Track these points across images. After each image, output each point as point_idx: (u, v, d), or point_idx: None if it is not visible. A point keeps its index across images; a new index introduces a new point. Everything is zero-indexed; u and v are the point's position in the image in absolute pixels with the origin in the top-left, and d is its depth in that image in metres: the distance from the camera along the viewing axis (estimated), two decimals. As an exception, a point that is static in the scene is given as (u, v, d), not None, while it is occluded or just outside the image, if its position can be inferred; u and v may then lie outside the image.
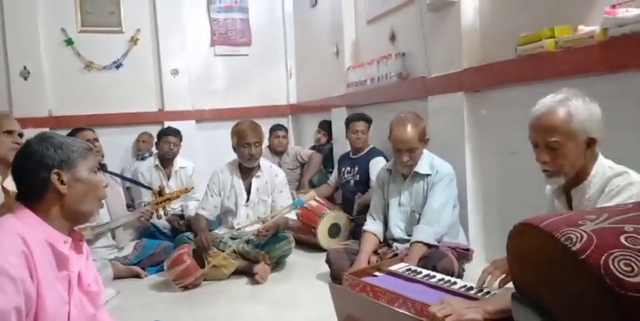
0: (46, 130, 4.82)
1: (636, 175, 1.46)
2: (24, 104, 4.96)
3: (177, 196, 3.30)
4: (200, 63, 5.92)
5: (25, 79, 5.05)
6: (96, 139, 3.15)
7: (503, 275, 1.75)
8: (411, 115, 2.65)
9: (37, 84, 5.11)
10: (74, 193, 1.32)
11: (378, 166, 3.50)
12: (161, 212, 3.18)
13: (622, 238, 0.89)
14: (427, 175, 2.63)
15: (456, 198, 2.70)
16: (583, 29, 2.12)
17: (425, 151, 2.69)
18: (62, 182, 1.31)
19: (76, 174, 1.33)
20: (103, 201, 3.04)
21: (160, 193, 3.19)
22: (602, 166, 1.53)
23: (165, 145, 3.96)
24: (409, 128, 2.55)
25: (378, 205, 2.81)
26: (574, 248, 0.90)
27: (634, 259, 0.85)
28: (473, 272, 2.58)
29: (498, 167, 2.82)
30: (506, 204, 2.79)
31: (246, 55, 6.08)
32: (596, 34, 2.01)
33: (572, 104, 1.48)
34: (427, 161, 2.67)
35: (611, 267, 0.85)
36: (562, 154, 1.50)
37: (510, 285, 1.71)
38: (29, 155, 1.32)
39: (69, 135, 3.12)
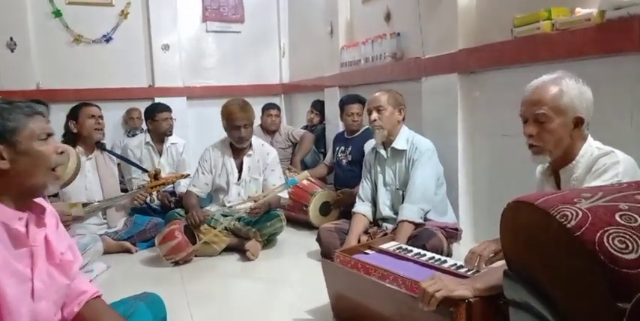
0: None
1: (622, 155, 1.50)
2: (11, 77, 4.85)
3: (173, 182, 3.30)
4: (191, 39, 5.83)
5: (12, 51, 4.94)
6: (101, 116, 3.12)
7: (492, 255, 1.78)
8: (393, 90, 2.81)
9: (24, 56, 4.99)
10: (19, 167, 1.19)
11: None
12: (154, 196, 3.19)
13: (617, 216, 0.90)
14: (406, 151, 2.67)
15: (441, 175, 2.73)
16: (580, 11, 2.12)
17: (405, 128, 2.75)
18: (1, 157, 1.18)
19: (18, 146, 1.19)
20: (97, 179, 3.06)
21: (156, 176, 3.18)
22: (590, 146, 1.57)
23: (164, 123, 3.90)
24: (381, 92, 2.75)
25: (367, 187, 2.84)
26: (569, 225, 0.92)
27: (629, 237, 0.86)
28: (462, 252, 2.62)
29: (490, 149, 2.84)
30: (497, 185, 2.82)
31: (239, 32, 6.00)
32: (593, 16, 2.01)
33: (564, 82, 1.54)
34: (405, 137, 2.71)
35: (606, 244, 0.86)
36: (549, 130, 1.54)
37: (499, 263, 1.76)
38: None
39: (73, 109, 3.09)
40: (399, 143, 2.70)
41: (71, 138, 3.03)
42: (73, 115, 3.05)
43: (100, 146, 3.19)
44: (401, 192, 2.69)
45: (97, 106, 3.16)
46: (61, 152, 1.29)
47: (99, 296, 1.47)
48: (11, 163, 1.19)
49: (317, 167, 4.08)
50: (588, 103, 1.54)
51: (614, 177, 1.43)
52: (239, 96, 3.50)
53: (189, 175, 3.50)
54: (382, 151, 2.76)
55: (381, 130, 2.67)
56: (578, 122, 1.54)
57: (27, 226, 1.25)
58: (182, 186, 3.72)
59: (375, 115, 2.67)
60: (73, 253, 1.40)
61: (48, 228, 1.32)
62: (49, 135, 1.27)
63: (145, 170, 3.55)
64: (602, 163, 1.49)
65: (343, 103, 3.72)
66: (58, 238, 1.35)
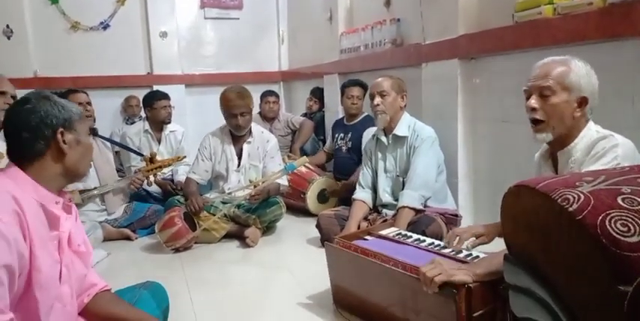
0: (31, 91, 4.75)
1: (621, 138, 1.50)
2: (7, 64, 4.81)
3: (169, 164, 3.30)
4: (189, 26, 5.80)
5: (9, 38, 4.91)
6: (89, 103, 3.08)
7: (472, 238, 1.82)
8: (396, 76, 2.79)
9: (21, 44, 4.98)
10: (74, 154, 1.30)
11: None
12: (152, 179, 3.18)
13: (619, 199, 0.90)
14: (407, 138, 2.67)
15: (441, 163, 2.73)
16: (582, -5, 2.09)
17: (407, 114, 2.75)
18: (64, 142, 1.28)
19: (77, 136, 1.32)
20: (92, 166, 3.05)
21: (152, 160, 3.16)
22: (590, 130, 1.57)
23: (162, 110, 3.88)
24: (384, 77, 2.74)
25: (367, 174, 2.84)
26: (571, 209, 0.91)
27: (631, 220, 0.86)
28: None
29: (490, 135, 2.83)
30: (496, 171, 2.81)
31: (237, 18, 5.96)
32: (596, 0, 1.98)
33: (573, 62, 1.55)
34: (407, 124, 2.70)
35: (608, 227, 0.86)
36: (552, 103, 1.54)
37: (498, 249, 1.76)
38: (32, 112, 1.27)
39: (60, 96, 3.05)
40: (400, 130, 2.69)
41: None
42: None
43: (93, 132, 3.17)
44: (401, 179, 2.69)
45: (84, 92, 3.12)
46: None
47: (108, 290, 1.50)
48: (70, 147, 1.29)
49: (316, 154, 4.08)
50: (593, 87, 1.55)
51: (614, 160, 1.43)
52: (238, 83, 3.48)
53: (185, 157, 3.49)
54: (383, 138, 2.75)
55: (383, 115, 2.66)
56: (582, 102, 1.54)
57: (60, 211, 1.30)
58: (180, 174, 3.71)
59: (377, 99, 2.66)
60: (87, 247, 1.43)
61: (73, 217, 1.37)
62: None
63: (140, 154, 3.54)
64: (601, 146, 1.48)
65: (344, 87, 3.74)
66: (76, 230, 1.39)
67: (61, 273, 1.28)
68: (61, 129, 1.27)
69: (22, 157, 1.26)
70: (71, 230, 1.35)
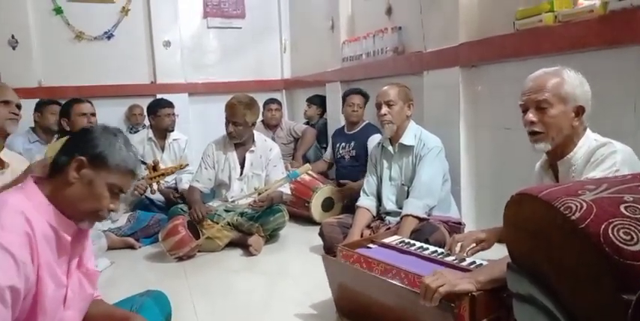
0: (36, 100, 4.77)
1: (619, 145, 1.51)
2: (12, 74, 4.84)
3: (172, 172, 3.30)
4: (192, 35, 5.84)
5: (14, 48, 4.95)
6: (93, 114, 3.01)
7: (473, 244, 1.82)
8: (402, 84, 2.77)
9: (26, 53, 5.01)
10: (79, 187, 1.25)
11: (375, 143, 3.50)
12: (155, 187, 3.19)
13: (622, 208, 0.90)
14: (413, 147, 2.66)
15: (446, 172, 2.72)
16: (583, 3, 2.11)
17: (413, 123, 2.73)
18: (80, 168, 1.25)
19: (94, 176, 1.26)
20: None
21: (155, 167, 3.17)
22: (588, 138, 1.58)
23: (166, 118, 3.89)
24: (390, 85, 2.71)
25: (372, 182, 2.83)
26: (573, 217, 0.91)
27: (634, 228, 0.86)
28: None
29: (492, 142, 2.83)
30: (499, 179, 2.81)
31: (240, 27, 6.00)
32: (596, 7, 2.00)
33: (565, 72, 1.57)
34: (413, 133, 2.69)
35: (611, 235, 0.86)
36: (550, 115, 1.55)
37: (500, 256, 1.76)
38: (84, 133, 1.31)
39: (65, 105, 3.03)
40: (406, 139, 2.68)
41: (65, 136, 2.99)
42: (65, 112, 2.93)
43: None
44: (406, 187, 2.68)
45: (89, 102, 3.05)
46: (111, 210, 1.32)
47: (99, 298, 1.51)
48: (78, 180, 1.26)
49: (316, 163, 4.07)
50: (588, 95, 1.56)
51: (612, 166, 1.44)
52: (241, 92, 3.48)
53: (187, 165, 3.49)
54: (389, 147, 2.74)
55: (390, 124, 2.65)
56: (579, 111, 1.55)
57: (73, 235, 1.29)
58: (184, 182, 3.72)
59: (385, 109, 2.64)
60: (91, 263, 1.44)
61: (87, 239, 1.38)
62: (121, 192, 1.33)
63: (143, 162, 3.55)
64: (600, 153, 1.49)
65: (345, 95, 3.75)
66: (89, 250, 1.41)
67: (66, 297, 1.27)
68: (82, 158, 1.25)
69: (51, 172, 1.28)
70: (84, 252, 1.36)
